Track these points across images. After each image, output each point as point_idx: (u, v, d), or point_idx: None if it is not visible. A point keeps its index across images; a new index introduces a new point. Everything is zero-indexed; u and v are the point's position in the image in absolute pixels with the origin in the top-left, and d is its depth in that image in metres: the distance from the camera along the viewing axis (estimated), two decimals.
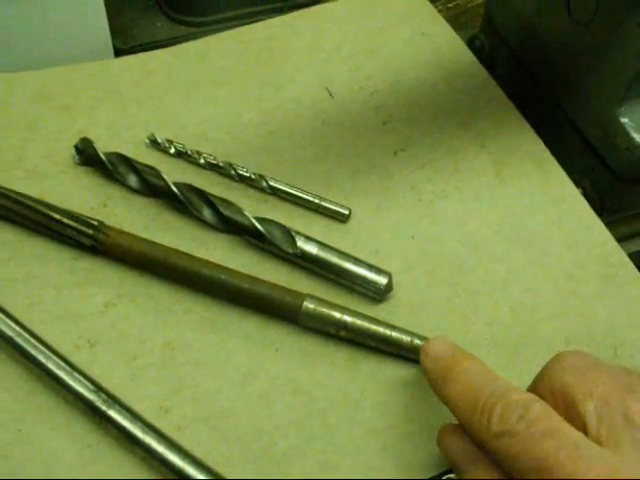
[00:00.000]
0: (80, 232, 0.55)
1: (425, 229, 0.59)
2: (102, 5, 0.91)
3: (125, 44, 1.02)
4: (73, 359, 0.51)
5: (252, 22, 1.06)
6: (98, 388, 0.49)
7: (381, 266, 0.56)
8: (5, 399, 0.50)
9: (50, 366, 0.50)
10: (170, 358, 0.52)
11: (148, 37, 1.06)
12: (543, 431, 0.38)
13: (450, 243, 0.59)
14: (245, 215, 0.56)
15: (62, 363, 0.50)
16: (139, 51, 0.98)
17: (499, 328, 0.55)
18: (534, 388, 0.43)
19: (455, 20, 1.00)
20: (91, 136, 0.61)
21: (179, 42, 0.76)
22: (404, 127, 0.65)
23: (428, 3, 0.75)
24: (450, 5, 1.01)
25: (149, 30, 1.06)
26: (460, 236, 0.59)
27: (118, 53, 0.97)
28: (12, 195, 0.57)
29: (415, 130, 0.65)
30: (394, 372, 0.53)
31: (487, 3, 0.74)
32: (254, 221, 0.56)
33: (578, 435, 0.38)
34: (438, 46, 0.71)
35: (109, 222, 0.56)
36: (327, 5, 0.74)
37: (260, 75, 0.68)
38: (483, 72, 0.69)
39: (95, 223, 0.55)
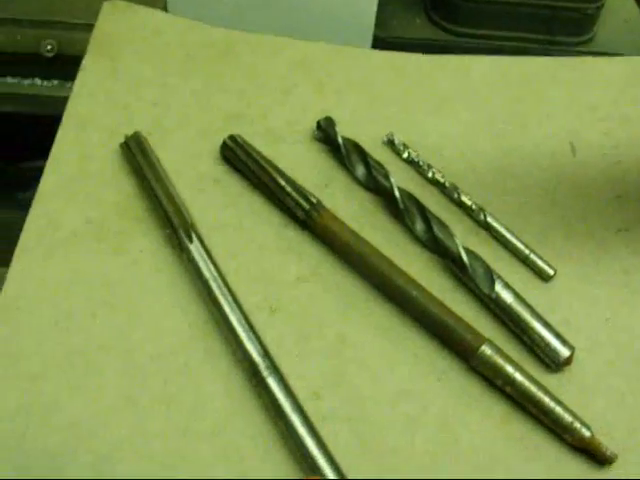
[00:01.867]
0: (297, 204, 0.57)
1: (622, 316, 0.57)
2: None
3: (382, 33, 1.04)
4: (252, 318, 0.53)
5: (511, 46, 1.06)
6: (265, 353, 0.51)
7: (566, 338, 0.55)
8: (183, 335, 0.54)
9: (232, 318, 0.52)
10: (339, 350, 0.54)
11: (405, 32, 1.08)
12: None
13: None
14: (455, 242, 0.56)
15: (243, 320, 0.52)
16: (395, 43, 1.01)
17: None
18: None
19: None
20: (334, 117, 0.63)
21: (434, 45, 0.76)
22: (636, 208, 0.62)
23: None
24: None
25: (408, 26, 1.09)
26: None
27: (375, 40, 0.99)
28: (249, 149, 0.60)
29: None
30: (542, 444, 0.52)
31: None
32: (462, 250, 0.56)
33: None
34: None
35: (326, 203, 0.58)
36: (596, 59, 0.72)
37: (509, 110, 0.68)
38: None
39: (314, 200, 0.57)
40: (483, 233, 0.60)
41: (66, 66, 0.68)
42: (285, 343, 0.54)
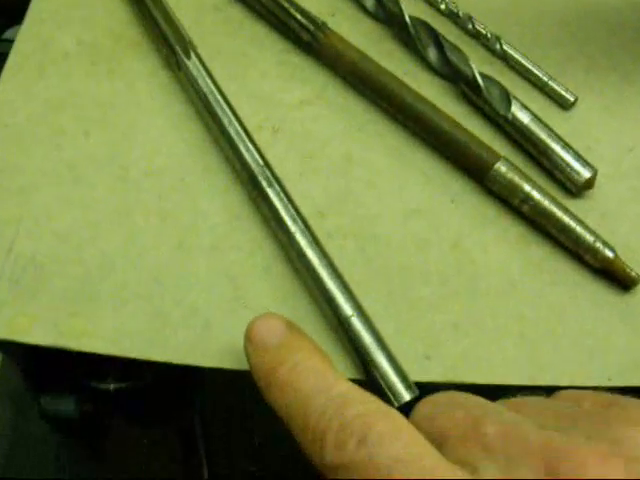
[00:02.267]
0: (302, 26, 0.54)
1: None
2: None
3: None
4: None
5: None
6: (266, 164, 0.48)
7: None
8: (180, 152, 0.51)
9: (230, 130, 0.49)
10: (345, 169, 0.51)
11: None
12: (389, 461, 0.27)
13: None
14: (470, 65, 0.53)
15: (242, 132, 0.49)
16: None
17: None
18: None
19: None
20: None
21: None
22: None
23: None
24: None
25: None
26: None
27: None
28: None
29: None
30: (561, 268, 0.49)
31: None
32: (476, 72, 0.52)
33: (433, 458, 0.28)
34: None
35: None
36: None
37: None
38: None
39: (319, 22, 0.54)
40: (498, 63, 0.57)
41: None
42: (288, 162, 0.51)
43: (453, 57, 0.54)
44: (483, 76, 0.53)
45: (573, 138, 0.53)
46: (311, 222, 0.47)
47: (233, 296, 0.46)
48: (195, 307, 0.46)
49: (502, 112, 0.52)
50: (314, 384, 0.32)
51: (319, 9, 0.57)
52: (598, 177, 0.51)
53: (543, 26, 0.58)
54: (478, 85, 0.52)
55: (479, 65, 0.55)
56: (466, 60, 0.53)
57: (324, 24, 0.54)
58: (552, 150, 0.51)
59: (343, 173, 0.51)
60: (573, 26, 0.59)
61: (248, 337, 0.37)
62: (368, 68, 0.52)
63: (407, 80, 0.54)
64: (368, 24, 0.58)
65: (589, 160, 0.51)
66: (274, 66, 0.55)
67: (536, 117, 0.51)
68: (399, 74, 0.54)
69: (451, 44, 0.54)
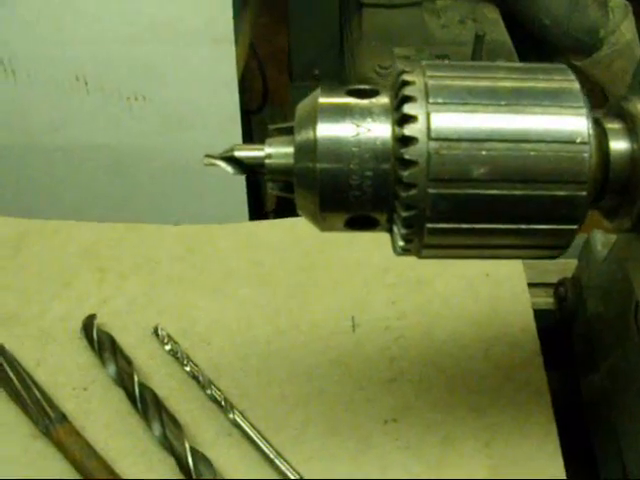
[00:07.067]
0: (39, 416, 0.56)
1: None
2: None
3: None
4: None
5: None
6: None
7: None
8: None
9: None
10: None
11: None
12: None
13: None
14: (184, 444, 0.54)
15: None
16: None
17: None
18: None
19: None
20: (112, 306, 0.63)
21: None
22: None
23: None
24: None
25: None
26: None
27: None
28: (8, 361, 0.59)
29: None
30: None
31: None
32: (189, 454, 0.53)
33: None
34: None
35: (83, 407, 0.57)
36: None
37: (294, 281, 0.65)
38: (535, 345, 0.59)
39: (53, 416, 0.56)
40: (235, 433, 0.56)
41: None
42: None
43: (170, 434, 0.54)
44: (197, 455, 0.53)
45: None
46: None
47: None
48: None
49: None
50: None
51: (74, 383, 0.59)
52: None
53: (291, 385, 0.58)
54: (189, 467, 0.53)
55: (216, 434, 0.56)
56: (182, 439, 0.54)
57: (57, 417, 0.56)
58: None
59: None
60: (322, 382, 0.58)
61: None
62: (89, 466, 0.54)
63: (140, 457, 0.55)
64: (118, 392, 0.58)
65: None
66: (18, 451, 0.55)
67: None
68: (135, 453, 0.55)
69: (173, 420, 0.55)
